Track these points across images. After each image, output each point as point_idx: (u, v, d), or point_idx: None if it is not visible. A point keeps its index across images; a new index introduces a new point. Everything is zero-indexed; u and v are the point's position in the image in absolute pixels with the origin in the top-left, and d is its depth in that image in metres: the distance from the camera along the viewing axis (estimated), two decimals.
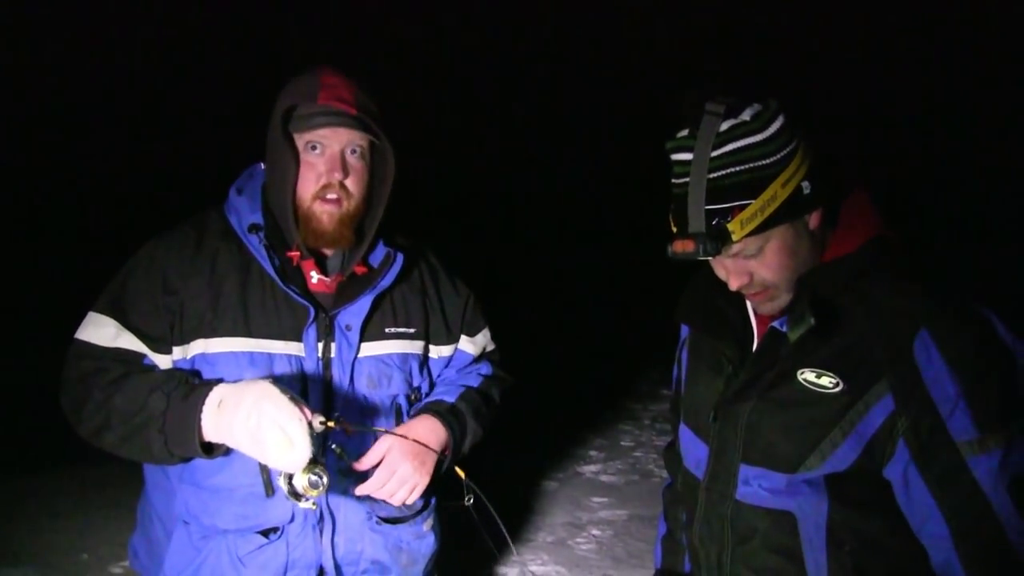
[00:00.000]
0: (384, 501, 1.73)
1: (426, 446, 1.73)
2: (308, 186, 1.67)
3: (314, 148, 1.66)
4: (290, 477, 1.50)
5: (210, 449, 1.55)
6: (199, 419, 1.51)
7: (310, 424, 1.44)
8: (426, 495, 1.89)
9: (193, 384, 1.58)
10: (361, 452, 1.71)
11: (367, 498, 1.74)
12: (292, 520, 1.69)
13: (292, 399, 1.44)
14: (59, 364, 1.70)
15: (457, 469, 1.75)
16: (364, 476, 1.71)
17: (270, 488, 1.66)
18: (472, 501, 1.71)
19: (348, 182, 1.68)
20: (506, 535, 1.67)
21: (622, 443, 5.30)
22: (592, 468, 4.87)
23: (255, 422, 1.43)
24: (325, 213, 1.68)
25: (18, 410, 4.80)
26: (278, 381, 1.49)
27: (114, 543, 3.65)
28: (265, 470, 1.65)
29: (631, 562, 3.72)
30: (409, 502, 1.74)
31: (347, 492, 1.72)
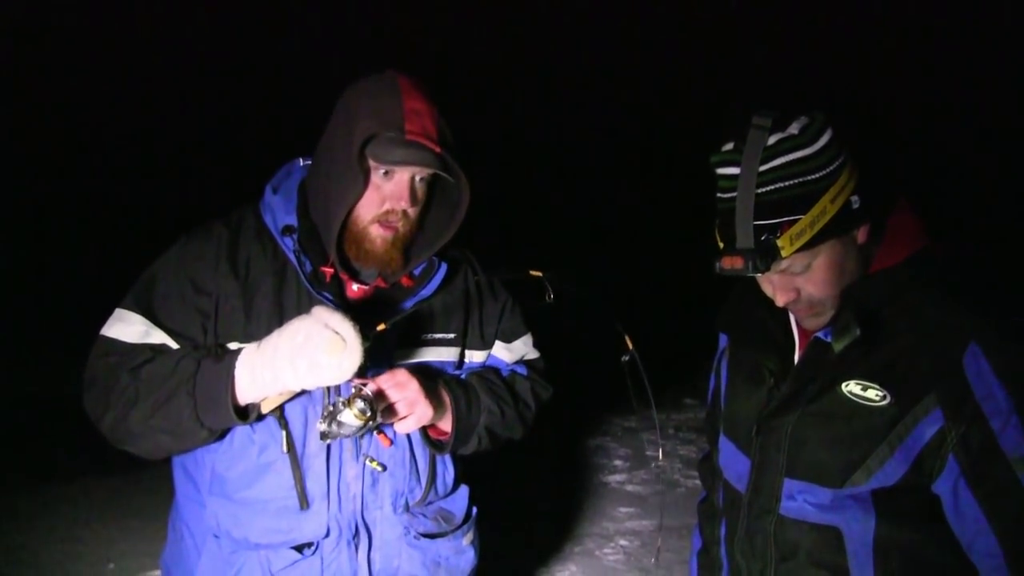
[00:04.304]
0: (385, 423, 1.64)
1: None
2: (371, 208, 1.63)
3: (386, 174, 1.62)
4: (332, 413, 1.49)
5: (244, 415, 1.52)
6: (232, 377, 1.49)
7: (362, 335, 1.43)
8: (467, 507, 1.87)
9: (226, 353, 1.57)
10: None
11: (404, 511, 1.73)
12: (327, 535, 1.67)
13: (344, 314, 1.45)
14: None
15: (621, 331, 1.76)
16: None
17: (304, 501, 1.64)
18: (627, 359, 1.69)
19: (411, 209, 1.65)
20: (651, 399, 1.63)
21: (647, 453, 5.27)
22: (617, 478, 4.85)
23: (303, 337, 1.42)
24: (379, 237, 1.64)
25: (45, 419, 4.84)
26: None
27: (141, 553, 3.64)
28: (299, 481, 1.63)
29: (659, 573, 3.70)
30: (403, 430, 1.66)
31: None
